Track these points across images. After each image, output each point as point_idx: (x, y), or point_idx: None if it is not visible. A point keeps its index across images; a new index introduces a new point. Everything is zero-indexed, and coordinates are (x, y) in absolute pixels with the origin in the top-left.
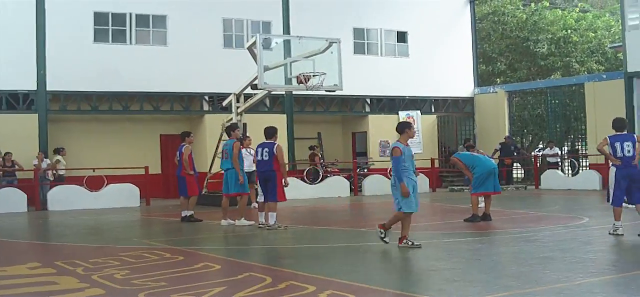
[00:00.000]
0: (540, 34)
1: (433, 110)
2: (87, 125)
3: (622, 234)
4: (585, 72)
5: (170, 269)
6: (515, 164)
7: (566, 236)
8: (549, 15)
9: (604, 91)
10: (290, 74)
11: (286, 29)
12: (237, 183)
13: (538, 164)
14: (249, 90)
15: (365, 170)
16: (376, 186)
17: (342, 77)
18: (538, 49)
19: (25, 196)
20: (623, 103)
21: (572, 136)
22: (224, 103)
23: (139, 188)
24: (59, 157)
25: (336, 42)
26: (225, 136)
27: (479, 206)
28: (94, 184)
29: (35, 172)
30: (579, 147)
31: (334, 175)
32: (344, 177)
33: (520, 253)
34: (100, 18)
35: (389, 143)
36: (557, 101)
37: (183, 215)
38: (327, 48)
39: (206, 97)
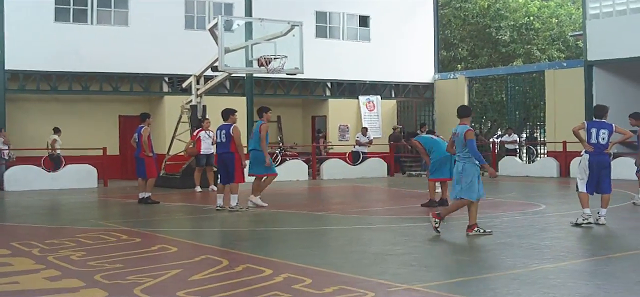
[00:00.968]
0: (502, 20)
1: (393, 95)
2: (46, 105)
3: (603, 224)
4: (546, 60)
5: (127, 250)
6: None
7: (523, 223)
8: (512, 2)
9: (563, 79)
10: (251, 56)
11: (248, 11)
12: (263, 164)
13: (496, 151)
14: (209, 72)
15: (324, 154)
16: (335, 170)
17: (303, 60)
18: (500, 36)
19: None
20: (582, 91)
21: (530, 123)
22: (184, 85)
23: (97, 169)
24: (55, 136)
25: (298, 26)
26: (184, 117)
27: (436, 191)
28: (52, 164)
29: None
30: (537, 134)
31: (292, 158)
32: (303, 160)
33: (477, 239)
34: None
35: (348, 127)
36: (517, 88)
37: (140, 197)
38: (288, 31)
39: (166, 79)
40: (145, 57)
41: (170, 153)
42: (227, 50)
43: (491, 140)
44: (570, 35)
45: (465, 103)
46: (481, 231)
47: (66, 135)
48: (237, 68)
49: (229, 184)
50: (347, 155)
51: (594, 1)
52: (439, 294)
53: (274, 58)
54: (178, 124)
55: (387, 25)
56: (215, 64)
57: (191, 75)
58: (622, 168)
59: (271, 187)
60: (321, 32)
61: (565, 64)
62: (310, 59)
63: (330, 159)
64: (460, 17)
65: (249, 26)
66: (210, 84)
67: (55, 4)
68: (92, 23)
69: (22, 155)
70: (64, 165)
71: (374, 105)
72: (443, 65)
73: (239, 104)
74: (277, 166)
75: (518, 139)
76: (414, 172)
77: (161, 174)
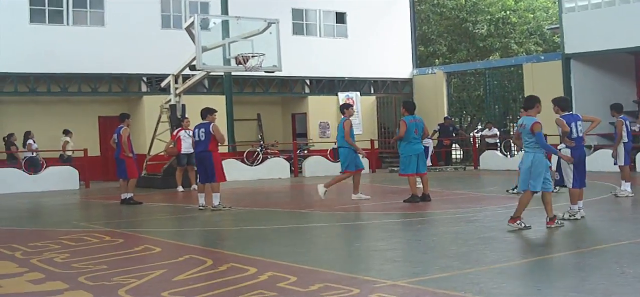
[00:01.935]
0: (479, 15)
1: (372, 91)
2: (25, 107)
3: (583, 217)
4: (524, 54)
5: (111, 252)
6: (454, 145)
7: (505, 217)
8: None
9: (541, 72)
10: (229, 54)
11: (224, 10)
12: (353, 159)
13: (477, 145)
14: (187, 71)
15: (305, 151)
16: (316, 167)
17: (281, 58)
18: (477, 30)
19: None
20: (561, 84)
21: (510, 117)
22: (163, 84)
23: (78, 171)
24: (67, 138)
25: (275, 23)
26: (164, 117)
27: (417, 186)
28: (32, 167)
29: None
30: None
31: (273, 156)
32: (284, 158)
33: (460, 233)
34: None
35: (328, 124)
36: (495, 82)
37: (123, 197)
38: (265, 29)
39: (144, 79)
40: (122, 57)
41: (150, 153)
42: (204, 49)
43: (471, 134)
44: (548, 29)
45: (444, 98)
46: (522, 225)
47: (46, 137)
48: (215, 67)
49: (208, 183)
50: (328, 152)
51: None
52: (425, 289)
53: (252, 56)
54: (158, 123)
55: (363, 21)
56: (193, 63)
57: (169, 74)
58: (603, 160)
59: (254, 185)
60: (298, 29)
61: (543, 57)
62: (289, 57)
63: (312, 156)
64: (437, 12)
65: (225, 24)
66: (189, 83)
67: (30, 5)
68: (67, 24)
69: (2, 158)
70: (45, 167)
71: (353, 102)
72: (422, 60)
73: (218, 102)
74: (258, 164)
75: (498, 133)
76: (395, 168)
77: (143, 175)
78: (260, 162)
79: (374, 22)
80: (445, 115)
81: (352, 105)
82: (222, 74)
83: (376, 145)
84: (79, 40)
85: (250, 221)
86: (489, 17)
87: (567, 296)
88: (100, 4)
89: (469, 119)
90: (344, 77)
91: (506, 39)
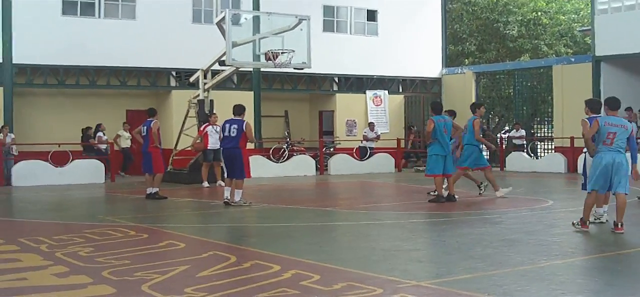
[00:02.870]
0: (510, 15)
1: (400, 90)
2: (54, 99)
3: (607, 221)
4: (554, 55)
5: (135, 246)
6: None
7: (531, 219)
8: None
9: (571, 74)
10: (259, 50)
11: (256, 5)
12: (474, 158)
13: (504, 146)
14: (216, 67)
15: (332, 149)
16: (342, 165)
17: (310, 55)
18: (508, 31)
19: None
20: (590, 87)
21: (538, 119)
22: (191, 79)
23: (104, 164)
24: (100, 133)
25: (306, 19)
26: (192, 112)
27: (443, 186)
28: (59, 159)
29: (0, 147)
30: (543, 130)
31: (300, 153)
32: (310, 156)
33: (485, 235)
34: None
35: (355, 122)
36: (525, 83)
37: (148, 192)
38: (296, 25)
39: (173, 73)
40: (152, 51)
41: (177, 148)
42: (234, 45)
43: (498, 135)
44: (579, 31)
45: (473, 98)
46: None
47: (74, 130)
48: (244, 62)
49: (234, 178)
50: (354, 150)
51: None
52: (449, 290)
53: (282, 52)
54: (185, 118)
55: (394, 19)
56: (222, 59)
57: (198, 69)
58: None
59: (279, 182)
60: (328, 27)
61: (573, 59)
62: (318, 54)
63: (338, 154)
64: (469, 11)
65: (256, 20)
66: (218, 78)
67: None
68: (99, 17)
69: (30, 150)
70: (71, 160)
71: (381, 100)
72: (451, 59)
73: (246, 98)
74: (284, 160)
75: (525, 134)
76: (421, 168)
77: (169, 170)
78: (286, 159)
79: (405, 21)
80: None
81: (483, 105)
82: (251, 70)
83: (402, 145)
84: (110, 33)
85: (275, 218)
86: (520, 17)
87: None
88: None
89: (497, 120)
90: (373, 76)
91: (536, 41)
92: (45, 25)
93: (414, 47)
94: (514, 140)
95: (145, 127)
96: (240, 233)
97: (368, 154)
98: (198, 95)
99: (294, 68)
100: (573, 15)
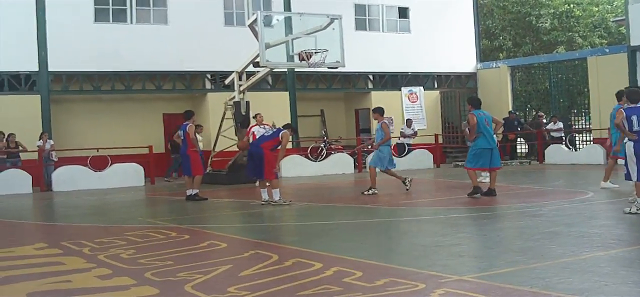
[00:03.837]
0: (542, 8)
1: (436, 86)
2: (90, 105)
3: None
4: (588, 47)
5: (177, 247)
6: (519, 139)
7: (571, 211)
8: None
9: (606, 65)
10: (292, 51)
11: (287, 6)
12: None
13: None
14: (251, 68)
15: (369, 147)
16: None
17: (344, 53)
18: (541, 24)
19: (30, 177)
20: (626, 77)
21: (575, 111)
22: (227, 81)
23: (143, 167)
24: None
25: (337, 19)
26: (228, 114)
27: (484, 180)
28: (98, 164)
29: (40, 153)
30: (581, 121)
31: (337, 152)
32: (348, 154)
33: (525, 228)
34: None
35: (392, 120)
36: (560, 76)
37: (188, 194)
38: (328, 25)
39: (208, 76)
40: (186, 54)
41: (215, 150)
42: (267, 46)
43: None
44: (613, 21)
45: (509, 92)
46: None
47: (112, 134)
48: (278, 63)
49: (257, 178)
50: (392, 147)
51: None
52: (490, 284)
53: (315, 52)
54: (222, 120)
55: (426, 15)
56: (256, 60)
57: (233, 71)
58: None
59: (318, 181)
60: (360, 25)
61: (607, 50)
62: (351, 52)
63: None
64: (500, 6)
65: (288, 21)
66: (253, 80)
67: (95, 5)
68: (131, 22)
69: (69, 155)
70: (110, 164)
71: (416, 97)
72: (486, 54)
73: (282, 98)
74: (322, 159)
75: (563, 126)
76: (460, 163)
77: (208, 171)
78: (324, 158)
79: (437, 17)
80: (510, 109)
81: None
82: (286, 70)
83: (440, 140)
84: (143, 38)
85: (315, 217)
86: (552, 10)
87: (635, 292)
88: (164, 2)
89: (534, 113)
90: (407, 72)
91: (570, 33)
92: (79, 32)
93: (447, 43)
94: (552, 133)
95: (181, 131)
96: (280, 232)
97: (406, 150)
98: (234, 97)
99: (328, 67)
100: (607, 6)
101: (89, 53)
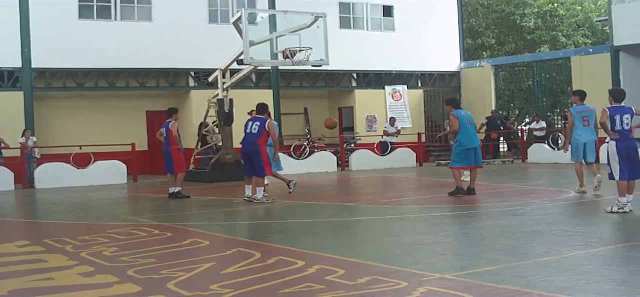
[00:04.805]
0: (526, 8)
1: (419, 84)
2: (73, 102)
3: (631, 211)
4: (572, 46)
5: (159, 245)
6: (501, 138)
7: (553, 210)
8: None
9: (590, 65)
10: (276, 49)
11: (271, 4)
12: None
13: (524, 138)
14: (235, 66)
15: (352, 145)
16: (363, 160)
17: (328, 51)
18: (524, 23)
19: (12, 173)
20: (609, 76)
21: (557, 110)
22: (210, 79)
23: (126, 165)
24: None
25: (322, 17)
26: (212, 111)
27: (466, 179)
28: (81, 161)
29: (22, 150)
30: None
31: (320, 150)
32: (331, 152)
33: (507, 227)
34: None
35: (375, 118)
36: (543, 75)
37: (171, 191)
38: (312, 23)
39: (192, 73)
40: (170, 52)
41: (198, 148)
42: (251, 43)
43: (520, 127)
44: (596, 21)
45: (492, 91)
46: None
47: (95, 132)
48: (262, 61)
49: (253, 176)
50: (375, 145)
51: None
52: (473, 282)
53: (299, 50)
54: (205, 118)
55: (411, 14)
56: (240, 58)
57: (217, 69)
58: None
59: (301, 179)
60: (345, 23)
61: (591, 50)
62: (335, 50)
63: (359, 150)
64: (485, 5)
65: (272, 18)
66: (236, 77)
67: (79, 1)
68: (115, 19)
69: (51, 152)
70: (93, 161)
71: (400, 95)
72: (470, 53)
73: (265, 96)
74: (305, 157)
75: (545, 126)
76: (442, 162)
77: (190, 169)
78: (308, 156)
79: (421, 15)
80: (493, 108)
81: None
82: (270, 68)
83: (423, 139)
84: (127, 35)
85: (298, 215)
86: (536, 9)
87: (616, 290)
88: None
89: (517, 112)
90: (391, 71)
91: (554, 32)
92: (63, 29)
93: (431, 42)
94: (534, 132)
95: (164, 128)
96: (263, 229)
97: (389, 149)
98: (217, 94)
99: (312, 65)
100: (591, 5)
101: (73, 50)
